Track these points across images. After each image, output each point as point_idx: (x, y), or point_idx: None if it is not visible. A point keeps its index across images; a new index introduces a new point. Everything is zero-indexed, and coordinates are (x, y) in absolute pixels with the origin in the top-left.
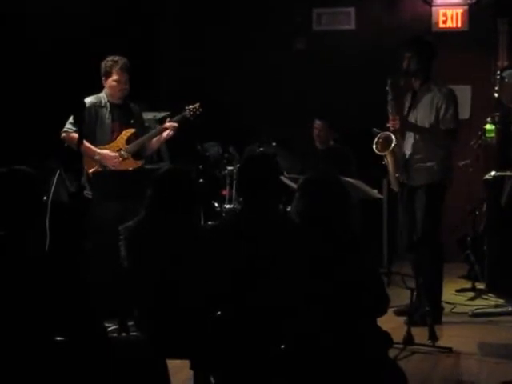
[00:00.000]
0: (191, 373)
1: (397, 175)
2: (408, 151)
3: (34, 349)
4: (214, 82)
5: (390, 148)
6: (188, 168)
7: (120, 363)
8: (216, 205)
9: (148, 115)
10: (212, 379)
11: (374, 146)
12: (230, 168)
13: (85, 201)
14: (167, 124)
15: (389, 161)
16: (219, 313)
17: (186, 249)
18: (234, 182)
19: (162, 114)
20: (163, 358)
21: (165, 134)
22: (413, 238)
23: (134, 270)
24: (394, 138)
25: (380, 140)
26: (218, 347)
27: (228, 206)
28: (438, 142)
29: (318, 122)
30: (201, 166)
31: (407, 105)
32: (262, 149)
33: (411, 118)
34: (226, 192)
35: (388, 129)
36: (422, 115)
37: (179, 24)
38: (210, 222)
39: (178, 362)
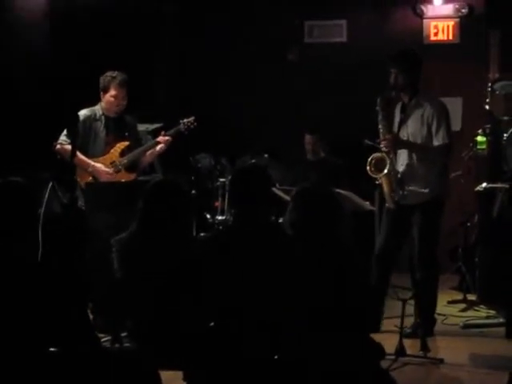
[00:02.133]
0: None
1: (392, 194)
2: (402, 169)
3: (27, 359)
4: (206, 93)
5: (384, 172)
6: (179, 179)
7: (113, 374)
8: (208, 216)
9: (140, 127)
10: None
11: (368, 169)
12: (222, 180)
13: (79, 212)
14: (160, 138)
15: (383, 181)
16: (212, 324)
17: (177, 260)
18: (227, 193)
19: (154, 126)
20: (156, 369)
21: (158, 147)
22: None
23: (126, 281)
24: (388, 160)
25: (373, 161)
26: (211, 358)
27: (220, 218)
28: (433, 158)
29: (308, 137)
30: (193, 178)
31: (397, 119)
32: (253, 160)
33: (402, 134)
34: (218, 203)
35: (380, 148)
36: (413, 131)
37: (173, 35)
38: (202, 234)
39: (170, 372)
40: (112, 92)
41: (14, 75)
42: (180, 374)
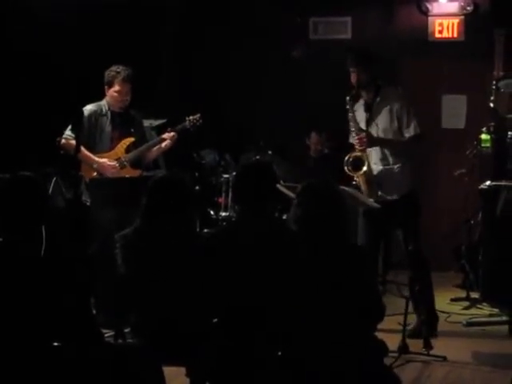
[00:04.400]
0: (187, 380)
1: (371, 193)
2: (375, 167)
3: (30, 354)
4: (211, 89)
5: (362, 170)
6: (183, 175)
7: (116, 370)
8: (212, 212)
9: (144, 123)
10: None
11: (345, 167)
12: (225, 176)
13: (83, 207)
14: (166, 134)
15: (361, 181)
16: (215, 320)
17: (182, 256)
18: (230, 189)
19: (158, 122)
20: (159, 365)
21: (163, 144)
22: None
23: (130, 276)
24: (365, 158)
25: (350, 160)
26: (214, 354)
27: (224, 214)
28: (406, 150)
29: (315, 137)
30: (197, 174)
31: (360, 118)
32: (258, 157)
33: (372, 132)
34: (221, 200)
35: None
36: (383, 127)
37: (177, 31)
38: (205, 230)
39: (173, 368)
40: (116, 87)
41: (19, 70)
42: (183, 369)
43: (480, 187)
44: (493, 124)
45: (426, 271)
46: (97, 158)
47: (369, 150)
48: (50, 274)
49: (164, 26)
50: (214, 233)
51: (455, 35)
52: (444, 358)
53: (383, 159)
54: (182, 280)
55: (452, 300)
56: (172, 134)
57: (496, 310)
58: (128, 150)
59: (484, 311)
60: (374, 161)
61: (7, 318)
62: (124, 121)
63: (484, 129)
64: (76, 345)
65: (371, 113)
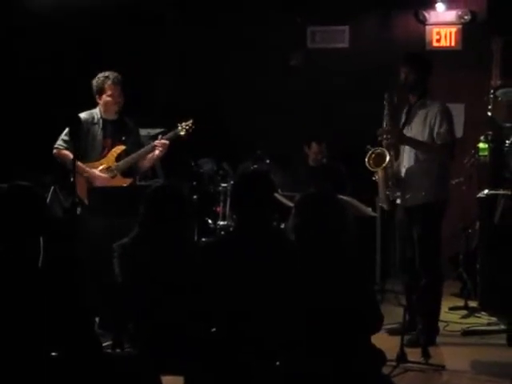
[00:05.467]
0: None
1: (387, 192)
2: (404, 169)
3: (28, 364)
4: (209, 98)
5: (384, 165)
6: (180, 184)
7: (114, 379)
8: (210, 221)
9: (142, 132)
10: None
11: (366, 162)
12: (223, 185)
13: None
14: (157, 142)
15: (380, 177)
16: (214, 329)
17: (180, 265)
18: (228, 198)
19: (157, 131)
20: (157, 374)
21: (156, 152)
22: (405, 259)
23: (128, 285)
24: (387, 154)
25: (373, 155)
26: (212, 364)
27: (222, 223)
28: (435, 158)
29: (316, 146)
30: (194, 183)
31: (402, 120)
32: (255, 166)
33: (406, 134)
34: (219, 209)
35: (381, 143)
36: (415, 131)
37: (175, 40)
38: (203, 239)
39: (171, 378)
40: (108, 92)
41: (17, 79)
42: (181, 379)
43: (478, 196)
44: (490, 133)
45: (438, 284)
46: (87, 168)
47: (402, 153)
48: (47, 284)
49: (162, 35)
50: (211, 242)
51: (453, 44)
52: (442, 367)
53: (411, 164)
54: (180, 289)
55: (450, 309)
56: (163, 141)
57: (494, 319)
58: (119, 158)
59: (482, 320)
60: (404, 164)
61: (4, 328)
62: (116, 129)
63: (482, 137)
64: (74, 355)
65: (409, 115)
